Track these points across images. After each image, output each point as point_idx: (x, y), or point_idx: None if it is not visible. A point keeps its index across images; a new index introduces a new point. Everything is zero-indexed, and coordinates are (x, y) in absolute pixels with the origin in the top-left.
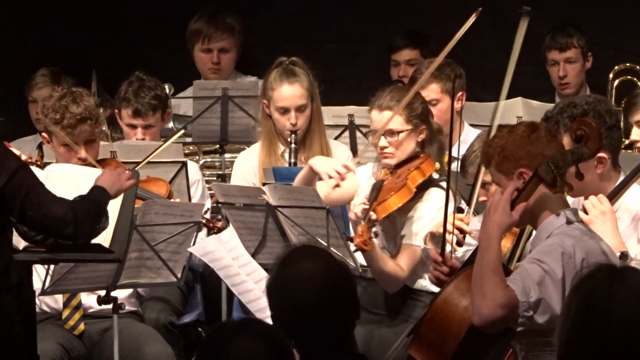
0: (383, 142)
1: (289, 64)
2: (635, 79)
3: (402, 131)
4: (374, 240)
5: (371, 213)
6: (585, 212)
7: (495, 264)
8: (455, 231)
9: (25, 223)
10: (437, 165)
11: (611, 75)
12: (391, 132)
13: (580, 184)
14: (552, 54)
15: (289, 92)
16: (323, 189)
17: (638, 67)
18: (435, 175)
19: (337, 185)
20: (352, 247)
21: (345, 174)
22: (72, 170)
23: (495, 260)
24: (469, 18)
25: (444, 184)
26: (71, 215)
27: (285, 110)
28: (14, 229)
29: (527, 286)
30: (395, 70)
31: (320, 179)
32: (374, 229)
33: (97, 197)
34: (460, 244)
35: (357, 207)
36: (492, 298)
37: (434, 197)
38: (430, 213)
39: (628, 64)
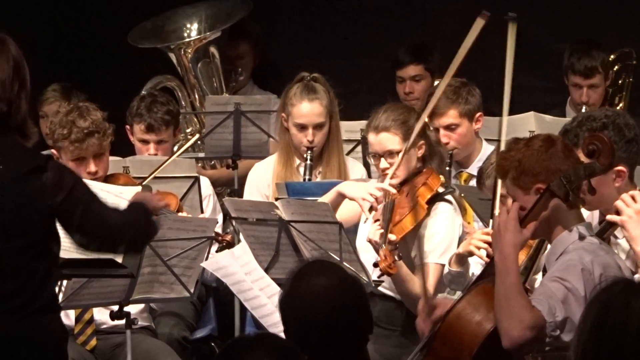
0: (384, 163)
1: (310, 79)
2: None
3: (401, 151)
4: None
5: (390, 235)
6: (617, 213)
7: (518, 286)
8: (484, 245)
9: (83, 234)
10: (442, 178)
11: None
12: (390, 153)
13: (598, 197)
14: (576, 78)
15: (308, 109)
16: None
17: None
18: (441, 189)
19: (372, 209)
20: (378, 273)
21: (381, 197)
22: (100, 190)
23: (517, 281)
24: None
25: (450, 197)
26: (129, 224)
27: (303, 127)
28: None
29: (553, 306)
30: (401, 87)
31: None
32: (396, 252)
33: (141, 206)
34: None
35: (374, 234)
36: (520, 321)
37: (442, 212)
38: (440, 229)
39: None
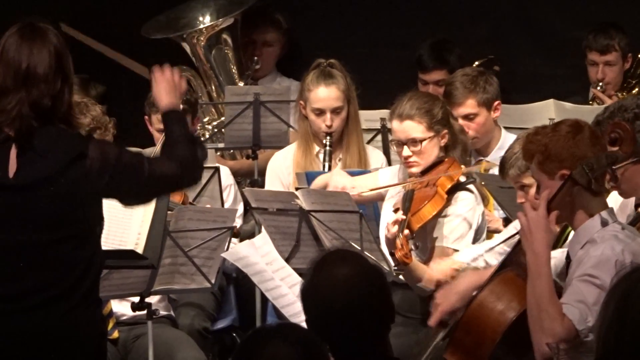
0: (407, 151)
1: (327, 65)
2: None
3: (424, 139)
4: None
5: (406, 231)
6: None
7: (550, 292)
8: None
9: (141, 198)
10: (464, 168)
11: None
12: (414, 141)
13: (633, 186)
14: (592, 55)
15: (325, 93)
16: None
17: None
18: (462, 179)
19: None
20: (392, 262)
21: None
22: None
23: (549, 287)
24: None
25: (471, 186)
26: (179, 167)
27: (320, 112)
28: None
29: (584, 311)
30: (425, 89)
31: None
32: (412, 242)
33: (178, 129)
34: None
35: (392, 227)
36: (551, 335)
37: (463, 200)
38: (458, 215)
39: None
